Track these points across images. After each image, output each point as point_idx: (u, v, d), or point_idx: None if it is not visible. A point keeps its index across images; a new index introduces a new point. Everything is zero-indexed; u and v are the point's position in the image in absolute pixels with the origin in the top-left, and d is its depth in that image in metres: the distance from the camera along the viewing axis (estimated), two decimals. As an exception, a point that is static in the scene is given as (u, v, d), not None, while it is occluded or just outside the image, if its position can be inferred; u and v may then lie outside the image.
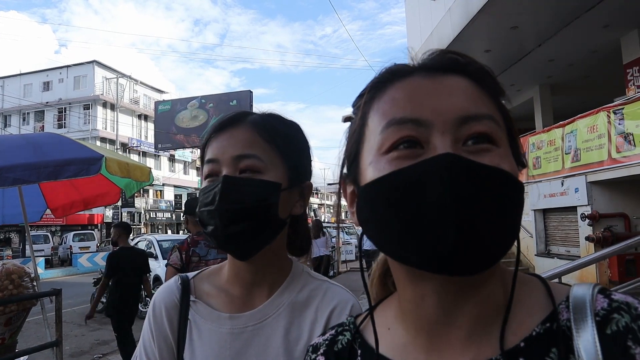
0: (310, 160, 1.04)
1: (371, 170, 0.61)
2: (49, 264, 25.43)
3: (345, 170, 0.70)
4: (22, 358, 4.37)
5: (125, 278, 5.74)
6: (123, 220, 35.46)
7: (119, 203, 33.70)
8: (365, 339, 0.70)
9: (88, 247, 29.47)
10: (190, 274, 1.05)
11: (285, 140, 0.97)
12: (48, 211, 5.48)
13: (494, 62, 12.02)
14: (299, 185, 0.98)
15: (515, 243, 0.62)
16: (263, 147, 0.94)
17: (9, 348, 4.24)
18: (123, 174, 4.05)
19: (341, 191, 0.71)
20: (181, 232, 44.73)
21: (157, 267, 12.49)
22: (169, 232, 44.25)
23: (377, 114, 0.63)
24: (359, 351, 0.70)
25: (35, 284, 4.47)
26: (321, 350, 0.74)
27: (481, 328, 0.60)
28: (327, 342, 0.74)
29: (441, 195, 0.53)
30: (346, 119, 0.72)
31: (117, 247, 5.96)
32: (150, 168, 4.74)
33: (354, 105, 0.70)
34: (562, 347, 0.55)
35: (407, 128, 0.58)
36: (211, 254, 4.37)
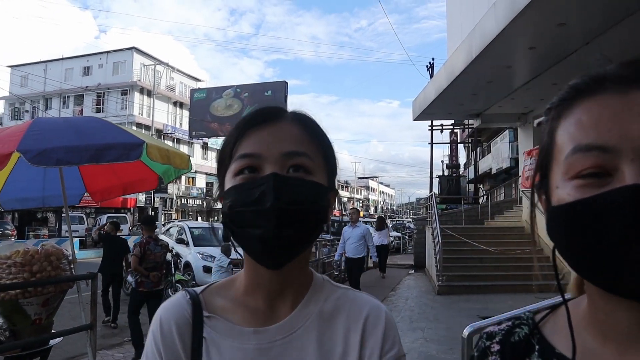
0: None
1: (558, 193, 0.61)
2: (82, 245, 26.04)
3: (537, 180, 0.71)
4: (57, 339, 4.41)
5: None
6: (155, 205, 36.11)
7: (152, 188, 34.21)
8: (545, 336, 0.71)
9: (121, 230, 30.04)
10: (197, 289, 0.94)
11: (327, 142, 0.91)
12: (85, 194, 5.55)
13: (537, 60, 11.68)
14: (333, 191, 0.91)
15: None
16: (310, 146, 0.86)
17: (45, 329, 4.29)
18: (164, 161, 4.04)
19: (536, 199, 0.72)
20: (211, 219, 45.32)
21: (188, 253, 12.65)
22: (200, 219, 44.81)
23: (564, 135, 0.62)
24: (537, 347, 0.70)
25: (72, 266, 4.51)
26: (497, 339, 0.74)
27: None
28: (503, 332, 0.75)
29: (626, 228, 0.53)
30: (538, 124, 0.67)
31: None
32: (189, 156, 4.73)
33: (545, 115, 0.69)
34: None
35: (593, 155, 0.57)
36: (157, 249, 6.52)
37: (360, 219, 10.96)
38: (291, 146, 0.83)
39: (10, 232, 23.29)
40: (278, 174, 0.80)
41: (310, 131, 0.88)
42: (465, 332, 2.55)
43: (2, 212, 27.27)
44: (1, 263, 4.05)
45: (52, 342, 4.36)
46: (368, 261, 13.62)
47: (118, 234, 10.47)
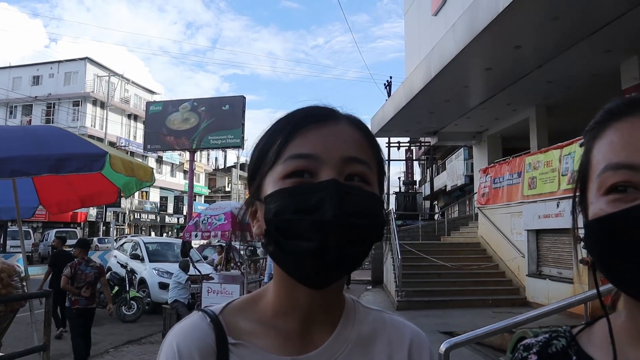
0: None
1: (593, 208, 0.65)
2: (29, 261, 24.86)
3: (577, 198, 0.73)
4: (7, 362, 4.15)
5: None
6: (107, 219, 35.07)
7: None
8: (582, 348, 0.72)
9: (70, 246, 28.99)
10: (215, 309, 0.81)
11: (381, 153, 0.82)
12: (39, 208, 5.30)
13: (493, 81, 12.06)
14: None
15: None
16: (370, 153, 0.77)
17: (-6, 350, 4.03)
18: (127, 173, 3.90)
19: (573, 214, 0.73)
20: (165, 234, 44.37)
21: (143, 269, 12.29)
22: (153, 234, 43.80)
23: (598, 154, 0.67)
24: (574, 357, 0.72)
25: (24, 283, 4.27)
26: (534, 350, 0.76)
27: None
28: (540, 343, 0.76)
29: None
30: (581, 145, 0.69)
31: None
32: (152, 168, 4.59)
33: (584, 136, 0.73)
34: None
35: (622, 173, 0.62)
36: (87, 269, 6.88)
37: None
38: (353, 151, 0.74)
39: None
40: (339, 180, 0.70)
41: (368, 137, 0.79)
42: (442, 347, 2.55)
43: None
44: (-53, 281, 3.80)
45: (1, 365, 4.09)
46: None
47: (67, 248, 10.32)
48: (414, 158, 34.57)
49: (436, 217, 25.07)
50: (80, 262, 6.97)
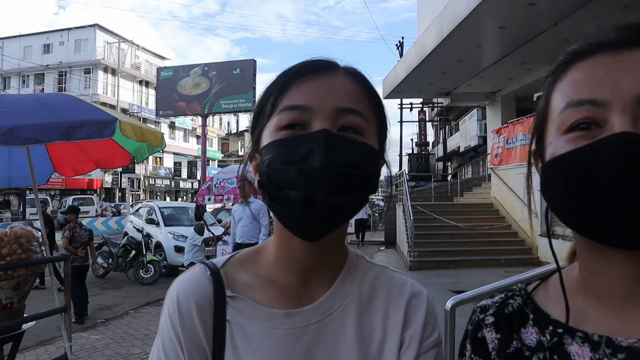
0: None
1: (551, 148, 0.64)
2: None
3: (534, 146, 0.72)
4: (30, 323, 4.31)
5: None
6: (123, 185, 35.52)
7: (120, 169, 33.66)
8: (538, 305, 0.72)
9: (87, 212, 29.47)
10: (217, 262, 0.83)
11: (381, 102, 0.80)
12: (53, 175, 5.40)
13: (507, 40, 11.79)
14: (382, 159, 0.80)
15: None
16: (366, 104, 0.76)
17: (17, 312, 4.17)
18: (137, 138, 3.94)
19: (532, 164, 0.73)
20: (180, 199, 44.85)
21: (159, 233, 12.50)
22: (168, 199, 44.29)
23: (559, 95, 0.65)
24: (531, 316, 0.71)
25: (43, 248, 4.38)
26: (490, 311, 0.76)
27: None
28: (496, 304, 0.76)
29: (613, 174, 0.55)
30: (537, 98, 0.69)
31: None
32: (162, 134, 4.62)
33: (543, 83, 0.71)
34: None
35: (585, 109, 0.60)
36: (81, 232, 7.98)
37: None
38: (347, 102, 0.73)
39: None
40: (330, 131, 0.70)
41: (365, 88, 0.77)
42: (448, 304, 2.58)
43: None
44: (-31, 246, 3.91)
45: (24, 326, 4.25)
46: None
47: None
48: (427, 119, 34.25)
49: (449, 178, 25.00)
50: (75, 226, 8.03)
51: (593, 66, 0.62)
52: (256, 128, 0.79)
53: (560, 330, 0.66)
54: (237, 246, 7.37)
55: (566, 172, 0.60)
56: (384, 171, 0.82)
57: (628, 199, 0.54)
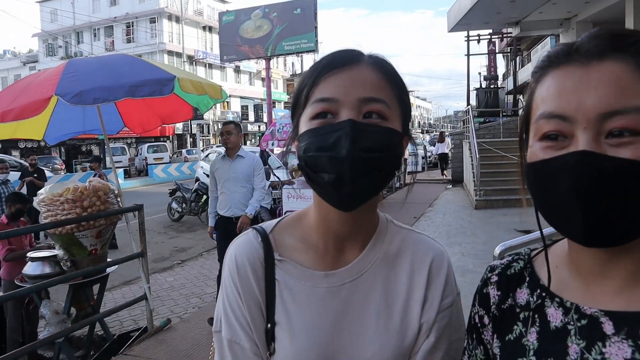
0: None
1: (530, 151, 0.70)
2: (127, 175, 26.93)
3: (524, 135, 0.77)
4: (112, 267, 4.73)
5: None
6: (193, 131, 36.70)
7: (189, 116, 34.58)
8: (535, 270, 0.81)
9: (161, 158, 30.90)
10: (266, 226, 0.96)
11: (403, 87, 0.89)
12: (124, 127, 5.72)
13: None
14: (407, 135, 0.90)
15: None
16: (388, 92, 0.85)
17: (101, 258, 4.59)
18: (198, 92, 4.14)
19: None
20: (248, 142, 45.86)
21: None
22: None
23: (538, 99, 0.70)
24: (527, 278, 0.81)
25: (119, 199, 4.73)
26: (496, 272, 0.86)
27: (635, 284, 0.68)
28: (502, 265, 0.86)
29: (570, 189, 0.62)
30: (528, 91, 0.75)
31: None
32: (221, 86, 4.79)
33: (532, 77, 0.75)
34: None
35: (554, 122, 0.66)
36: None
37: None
38: (369, 92, 0.82)
39: (59, 167, 24.24)
40: (355, 120, 0.79)
41: (387, 76, 0.86)
42: (497, 250, 2.60)
43: (50, 148, 28.30)
44: (55, 200, 4.30)
45: (108, 270, 4.68)
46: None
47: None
48: (497, 51, 32.54)
49: (520, 112, 23.97)
50: (97, 174, 9.30)
51: (564, 78, 0.67)
52: (294, 116, 0.90)
53: (544, 294, 0.76)
54: (223, 221, 5.18)
55: (537, 179, 0.68)
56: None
57: (581, 212, 0.62)
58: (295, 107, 0.89)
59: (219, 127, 44.12)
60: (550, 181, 0.65)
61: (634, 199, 0.60)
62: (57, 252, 4.48)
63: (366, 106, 0.81)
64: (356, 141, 0.77)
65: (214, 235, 5.38)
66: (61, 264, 4.43)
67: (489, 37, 29.18)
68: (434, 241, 0.98)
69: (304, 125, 0.85)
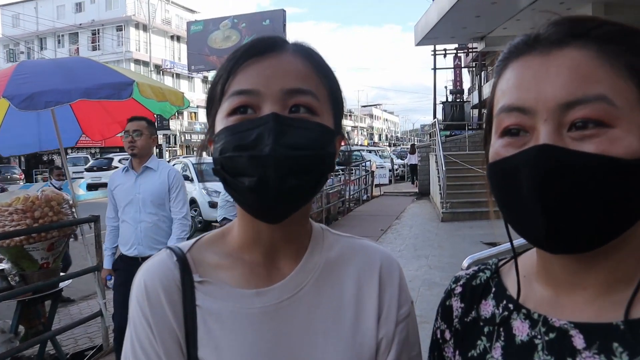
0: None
1: (492, 150, 0.64)
2: (90, 187, 26.23)
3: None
4: (66, 282, 4.50)
5: None
6: (159, 142, 36.14)
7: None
8: (502, 280, 0.75)
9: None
10: (183, 245, 0.81)
11: (334, 79, 0.78)
12: (84, 136, 5.50)
13: (545, -23, 11.17)
14: (340, 135, 0.78)
15: None
16: (317, 83, 0.73)
17: (53, 272, 4.35)
18: (159, 98, 3.99)
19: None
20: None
21: (193, 189, 12.71)
22: (204, 154, 44.87)
23: (499, 93, 0.65)
24: (493, 289, 0.75)
25: (74, 210, 4.52)
26: (461, 282, 0.80)
27: (607, 294, 0.62)
28: (467, 276, 0.80)
29: (530, 189, 0.56)
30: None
31: None
32: (183, 93, 4.64)
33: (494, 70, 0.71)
34: None
35: (514, 116, 0.61)
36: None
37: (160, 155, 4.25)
38: (295, 82, 0.71)
39: (17, 177, 23.47)
40: (279, 114, 0.68)
41: (315, 66, 0.75)
42: (465, 263, 2.54)
43: (8, 157, 27.42)
44: (2, 211, 4.05)
45: (61, 284, 4.45)
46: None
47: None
48: (463, 65, 33.19)
49: (484, 126, 24.39)
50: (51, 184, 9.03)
51: (524, 67, 0.62)
52: (210, 114, 0.77)
53: (510, 306, 0.70)
54: (125, 261, 3.77)
55: (497, 180, 0.63)
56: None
57: (543, 214, 0.56)
58: (211, 103, 0.76)
59: (186, 138, 43.97)
60: (511, 181, 0.59)
61: (600, 198, 0.55)
62: (4, 266, 4.23)
63: (292, 99, 0.70)
64: (281, 138, 0.66)
65: (109, 281, 3.97)
66: (9, 278, 4.18)
67: (455, 51, 29.79)
68: (380, 246, 0.88)
69: (220, 123, 0.72)
